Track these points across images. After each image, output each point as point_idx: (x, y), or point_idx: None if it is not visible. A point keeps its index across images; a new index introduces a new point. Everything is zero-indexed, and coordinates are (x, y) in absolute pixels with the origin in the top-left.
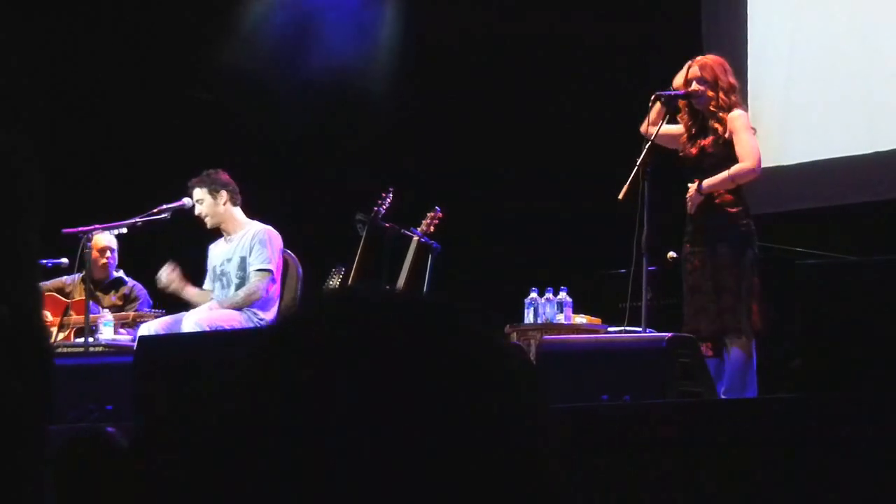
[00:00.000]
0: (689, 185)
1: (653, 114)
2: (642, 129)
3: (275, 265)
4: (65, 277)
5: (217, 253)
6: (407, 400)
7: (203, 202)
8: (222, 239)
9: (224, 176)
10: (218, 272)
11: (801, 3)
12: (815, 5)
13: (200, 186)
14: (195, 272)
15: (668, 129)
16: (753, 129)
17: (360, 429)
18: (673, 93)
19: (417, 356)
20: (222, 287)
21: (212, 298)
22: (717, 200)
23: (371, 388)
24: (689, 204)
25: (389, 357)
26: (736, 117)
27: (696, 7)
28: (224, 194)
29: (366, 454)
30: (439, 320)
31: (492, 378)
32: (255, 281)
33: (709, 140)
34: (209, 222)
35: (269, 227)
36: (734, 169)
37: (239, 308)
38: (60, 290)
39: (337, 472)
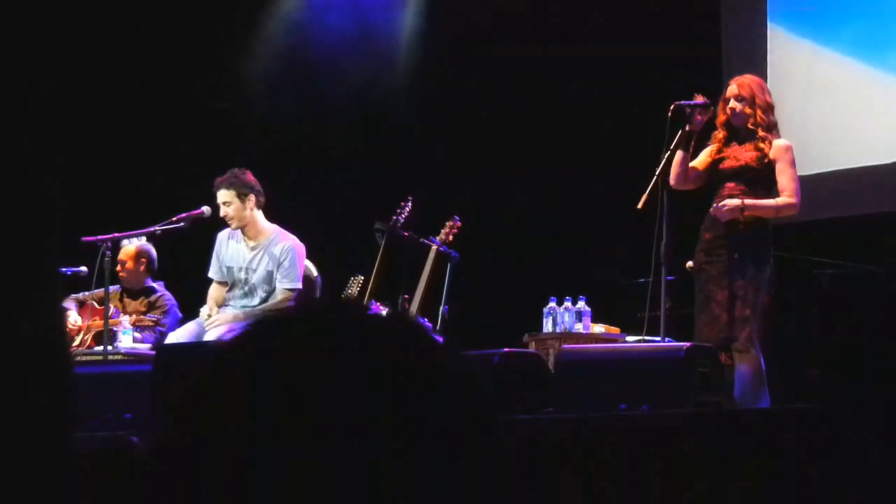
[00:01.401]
0: (726, 189)
1: (677, 164)
2: (672, 182)
3: (301, 283)
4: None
5: (235, 254)
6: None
7: (231, 205)
8: (239, 237)
9: (251, 177)
10: (238, 277)
11: (821, 15)
12: (836, 17)
13: (228, 189)
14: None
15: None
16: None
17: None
18: (692, 102)
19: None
20: (244, 295)
21: (227, 303)
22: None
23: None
24: (723, 212)
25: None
26: (784, 148)
27: (715, 17)
28: (252, 198)
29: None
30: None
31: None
32: (281, 298)
33: (753, 156)
34: (234, 224)
35: (296, 240)
36: (781, 201)
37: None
38: (101, 301)
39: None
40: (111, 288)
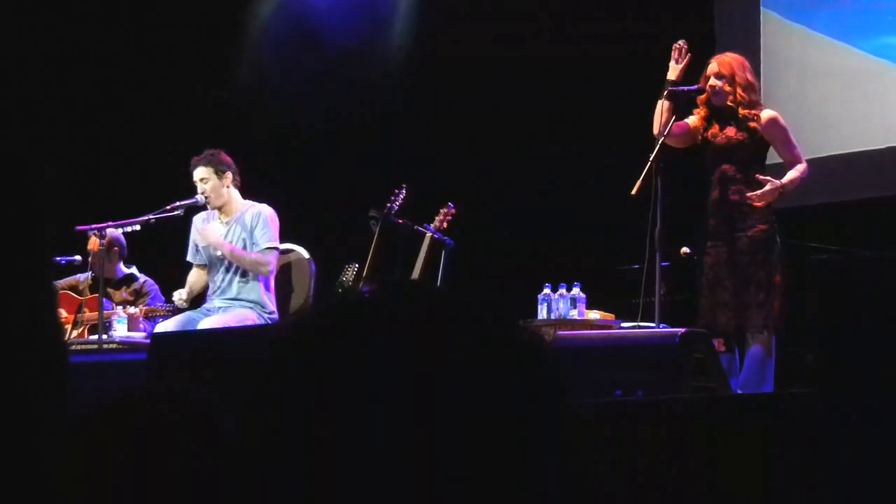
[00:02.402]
0: (720, 172)
1: (662, 112)
2: (655, 131)
3: (277, 241)
4: (78, 275)
5: (210, 233)
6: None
7: (208, 182)
8: (213, 217)
9: (226, 157)
10: (214, 255)
11: (813, 1)
12: (829, 1)
13: (205, 165)
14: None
15: (681, 123)
16: None
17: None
18: (685, 88)
19: (457, 353)
20: (225, 271)
21: (211, 284)
22: (744, 195)
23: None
24: (767, 197)
25: (429, 352)
26: (774, 120)
27: (709, 5)
28: (229, 175)
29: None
30: (482, 320)
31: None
32: (262, 259)
33: (742, 134)
34: (212, 202)
35: (266, 206)
36: (802, 168)
37: (244, 265)
38: (74, 288)
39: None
40: (82, 276)
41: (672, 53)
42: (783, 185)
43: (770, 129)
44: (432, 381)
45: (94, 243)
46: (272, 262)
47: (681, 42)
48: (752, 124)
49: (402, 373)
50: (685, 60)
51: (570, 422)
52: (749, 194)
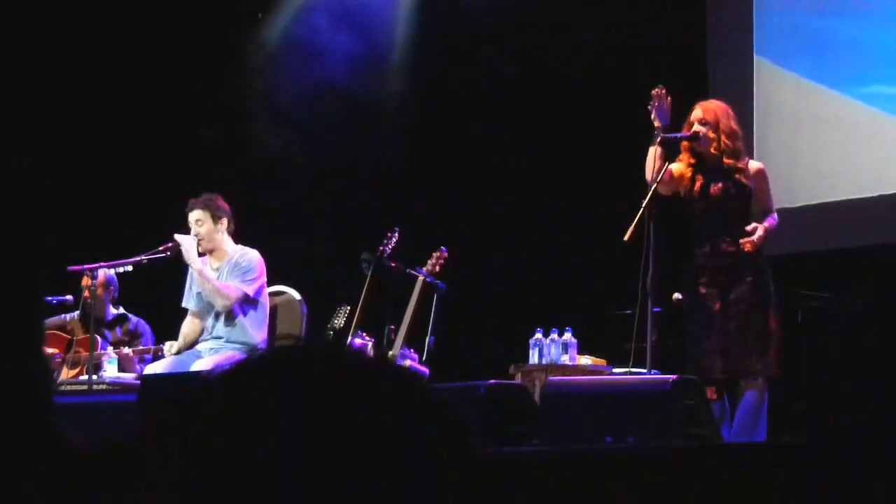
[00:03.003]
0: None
1: (654, 159)
2: (647, 177)
3: (253, 289)
4: (65, 315)
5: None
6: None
7: (203, 224)
8: (206, 262)
9: (224, 203)
10: (207, 300)
11: (807, 48)
12: (822, 50)
13: (202, 209)
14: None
15: (671, 168)
16: None
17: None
18: (676, 135)
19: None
20: (215, 319)
21: (203, 332)
22: (738, 246)
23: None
24: (756, 244)
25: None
26: (762, 171)
27: (702, 52)
28: (224, 222)
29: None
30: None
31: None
32: (230, 289)
33: (734, 187)
34: (203, 246)
35: (254, 251)
36: (776, 220)
37: (205, 290)
38: (62, 328)
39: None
40: (70, 315)
41: (651, 101)
42: (766, 231)
43: (758, 181)
44: (326, 439)
45: (87, 282)
46: (233, 297)
47: (657, 88)
48: (740, 177)
49: (295, 433)
50: (668, 103)
51: (465, 473)
52: (742, 241)
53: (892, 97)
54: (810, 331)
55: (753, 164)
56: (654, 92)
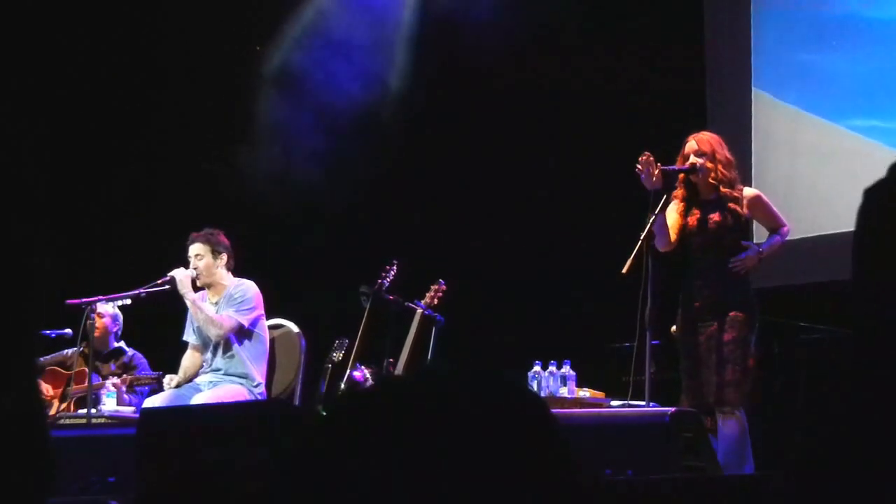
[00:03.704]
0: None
1: (661, 226)
2: (659, 246)
3: (248, 320)
4: (66, 351)
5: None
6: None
7: (203, 259)
8: (205, 297)
9: (224, 239)
10: (207, 335)
11: (805, 81)
12: (820, 83)
13: (203, 243)
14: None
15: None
16: None
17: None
18: (674, 167)
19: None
20: (213, 352)
21: (203, 365)
22: (733, 277)
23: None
24: (748, 267)
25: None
26: (757, 197)
27: (701, 84)
28: (224, 257)
29: None
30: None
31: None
32: (224, 318)
33: (729, 218)
34: (202, 280)
35: (251, 282)
36: (783, 235)
37: (198, 319)
38: (62, 364)
39: None
40: (71, 350)
41: (638, 168)
42: (762, 252)
43: (755, 208)
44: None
45: (98, 319)
46: (227, 327)
47: (644, 155)
48: (735, 206)
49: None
50: (656, 169)
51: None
52: (732, 261)
53: (891, 130)
54: (809, 363)
55: (748, 192)
56: (640, 159)
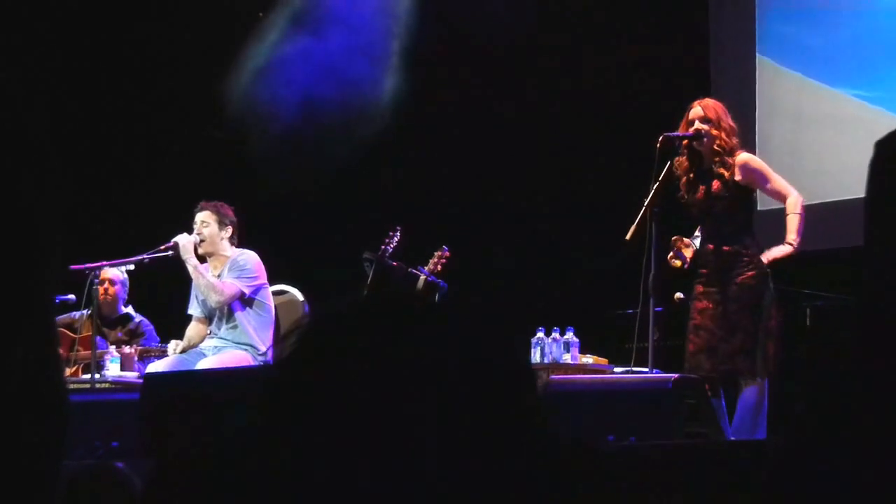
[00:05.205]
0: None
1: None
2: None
3: (249, 287)
4: (74, 313)
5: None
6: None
7: (208, 227)
8: (207, 269)
9: (232, 212)
10: (212, 307)
11: (809, 47)
12: (824, 49)
13: (212, 212)
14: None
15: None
16: None
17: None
18: (679, 134)
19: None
20: (218, 322)
21: (209, 333)
22: (733, 245)
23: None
24: (774, 259)
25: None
26: (745, 162)
27: (704, 54)
28: (229, 229)
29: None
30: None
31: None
32: (225, 285)
33: (716, 185)
34: (203, 248)
35: (252, 252)
36: (796, 206)
37: (199, 285)
38: (69, 326)
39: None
40: (79, 313)
41: (672, 246)
42: (794, 242)
43: (745, 174)
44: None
45: (106, 277)
46: (227, 293)
47: (676, 237)
48: (724, 172)
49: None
50: (690, 250)
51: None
52: (763, 256)
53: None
54: (815, 331)
55: (741, 159)
56: (673, 239)
